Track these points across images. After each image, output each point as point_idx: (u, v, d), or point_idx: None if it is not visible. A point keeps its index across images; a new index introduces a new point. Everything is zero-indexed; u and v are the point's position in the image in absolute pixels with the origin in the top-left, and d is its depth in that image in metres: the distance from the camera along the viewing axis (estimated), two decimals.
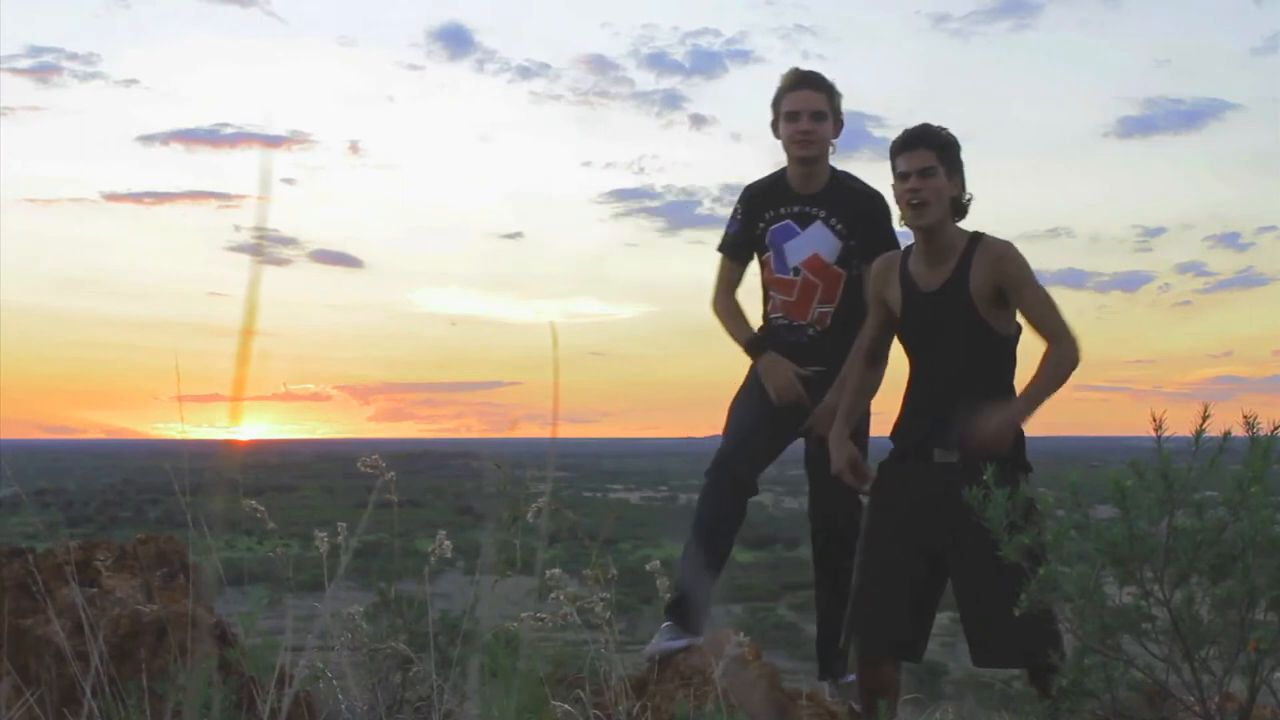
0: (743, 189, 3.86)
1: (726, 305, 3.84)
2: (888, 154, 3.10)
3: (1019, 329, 3.08)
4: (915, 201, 2.97)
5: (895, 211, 3.12)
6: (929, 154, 2.99)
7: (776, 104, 3.70)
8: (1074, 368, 2.98)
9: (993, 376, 3.06)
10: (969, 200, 3.07)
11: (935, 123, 3.06)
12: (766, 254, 3.74)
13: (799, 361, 3.67)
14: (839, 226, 3.64)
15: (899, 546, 3.04)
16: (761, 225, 3.74)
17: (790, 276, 3.69)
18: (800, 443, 3.75)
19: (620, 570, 3.15)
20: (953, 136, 3.05)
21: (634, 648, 3.75)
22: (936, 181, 2.97)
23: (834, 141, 3.70)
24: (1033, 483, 2.92)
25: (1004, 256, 3.00)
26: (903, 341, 3.17)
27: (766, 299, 3.81)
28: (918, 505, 3.02)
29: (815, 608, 3.80)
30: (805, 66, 3.81)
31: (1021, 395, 2.98)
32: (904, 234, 3.53)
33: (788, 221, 3.70)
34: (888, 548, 3.07)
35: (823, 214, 3.66)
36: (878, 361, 3.30)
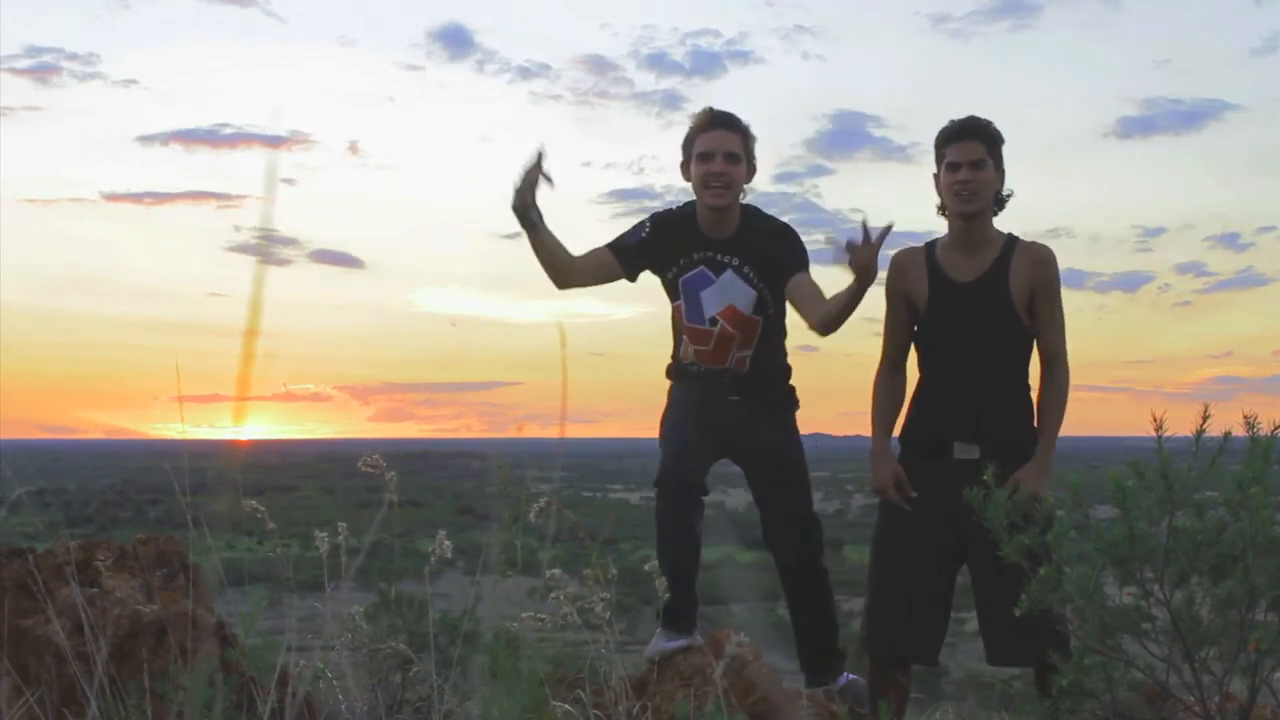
0: (654, 214, 3.68)
1: (572, 259, 3.52)
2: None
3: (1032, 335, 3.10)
4: (965, 191, 2.98)
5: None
6: (980, 146, 3.02)
7: (688, 144, 3.54)
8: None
9: (1017, 372, 3.08)
10: (1009, 196, 3.10)
11: (982, 117, 3.09)
12: (678, 301, 3.64)
13: (722, 393, 3.62)
14: (751, 274, 3.54)
15: (915, 550, 3.04)
16: (673, 272, 3.61)
17: (706, 327, 3.60)
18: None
19: (620, 570, 3.14)
20: (1000, 133, 3.08)
21: (634, 648, 3.75)
22: (986, 174, 3.01)
23: (746, 186, 3.55)
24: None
25: (1047, 261, 3.05)
26: (925, 334, 3.15)
27: (678, 342, 3.73)
28: (935, 504, 3.01)
29: (791, 620, 3.76)
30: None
31: (1044, 440, 3.06)
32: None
33: (702, 268, 3.57)
34: (904, 551, 3.06)
35: (735, 262, 3.54)
36: (900, 368, 3.29)
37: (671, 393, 3.77)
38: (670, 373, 3.81)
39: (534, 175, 3.34)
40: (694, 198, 3.61)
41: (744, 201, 3.61)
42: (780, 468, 3.63)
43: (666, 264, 3.63)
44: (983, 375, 3.04)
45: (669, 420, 3.70)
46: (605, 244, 3.65)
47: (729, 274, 3.56)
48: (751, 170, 3.56)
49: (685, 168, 3.57)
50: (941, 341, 3.11)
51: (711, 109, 3.57)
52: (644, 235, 3.62)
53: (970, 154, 3.01)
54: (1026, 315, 3.05)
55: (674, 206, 3.70)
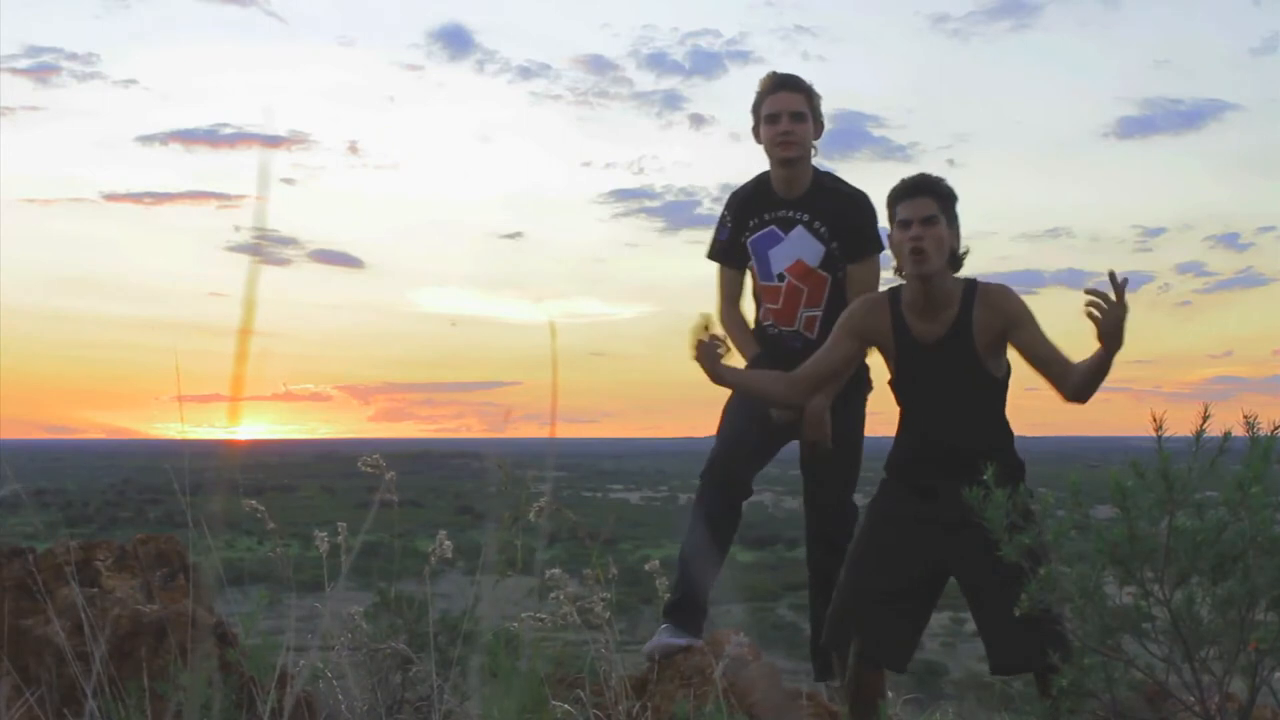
0: (728, 196, 3.84)
1: (731, 318, 3.80)
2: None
3: (1009, 368, 3.07)
4: (917, 249, 2.94)
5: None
6: (931, 202, 2.96)
7: (756, 109, 3.68)
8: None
9: (993, 419, 3.07)
10: (965, 253, 3.04)
11: (934, 174, 3.05)
12: (750, 262, 3.73)
13: (796, 365, 3.66)
14: (822, 230, 3.62)
15: (898, 553, 3.04)
16: (745, 234, 3.72)
17: (775, 283, 3.68)
18: (796, 444, 3.74)
19: (620, 570, 3.15)
20: (952, 188, 3.03)
21: (634, 648, 3.75)
22: (938, 230, 2.95)
23: (815, 143, 3.67)
24: (1027, 480, 2.93)
25: (1005, 296, 2.98)
26: (897, 390, 3.14)
27: (757, 306, 3.81)
28: (925, 523, 3.01)
29: (810, 611, 3.79)
30: (805, 67, 3.83)
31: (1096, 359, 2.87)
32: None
33: (772, 228, 3.68)
34: (885, 553, 3.06)
35: (805, 218, 3.63)
36: (822, 392, 3.29)
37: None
38: None
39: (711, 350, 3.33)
40: (761, 171, 3.75)
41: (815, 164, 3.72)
42: (834, 452, 3.63)
43: (743, 232, 3.75)
44: (959, 430, 3.03)
45: (730, 407, 3.73)
46: (716, 263, 3.82)
47: (799, 230, 3.65)
48: (819, 127, 3.70)
49: (756, 132, 3.71)
50: (914, 401, 3.10)
51: (775, 73, 3.72)
52: (729, 227, 3.79)
53: (921, 210, 2.96)
54: (994, 360, 3.02)
55: (745, 183, 3.82)
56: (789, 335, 3.69)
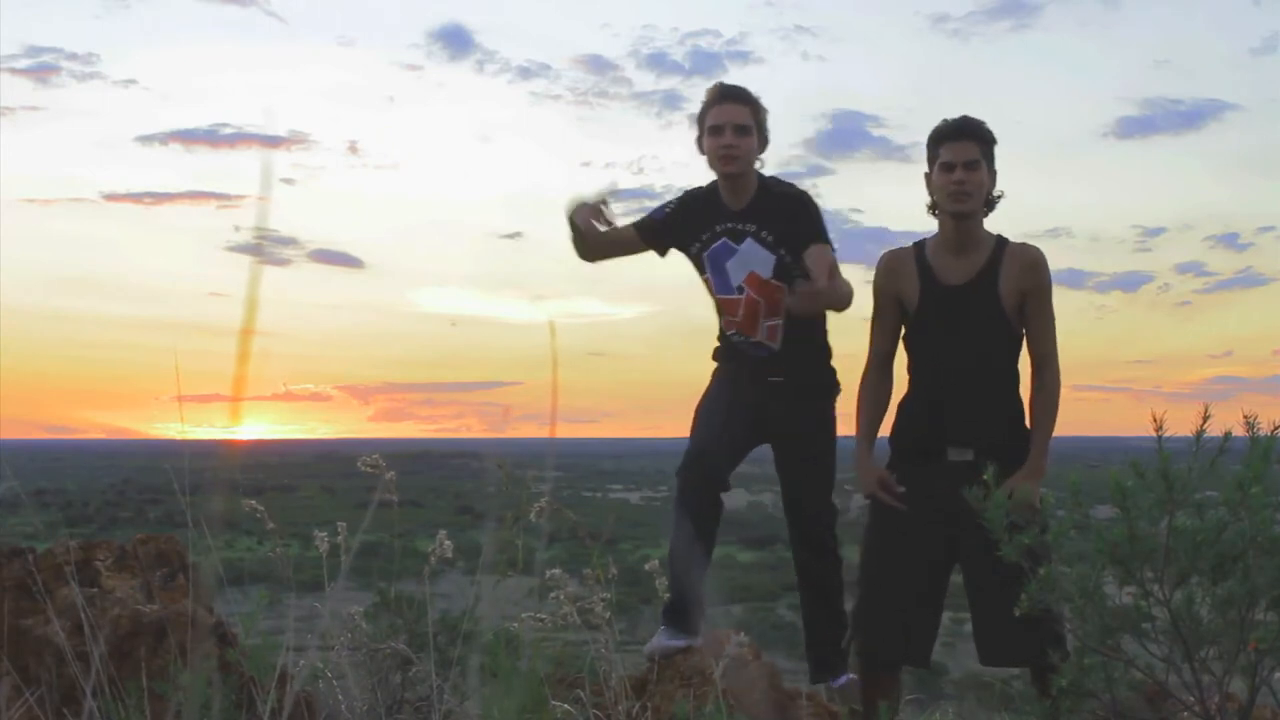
0: (685, 191, 3.78)
1: (599, 234, 3.65)
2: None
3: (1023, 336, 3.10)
4: (959, 192, 2.98)
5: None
6: (975, 147, 3.01)
7: (701, 119, 3.64)
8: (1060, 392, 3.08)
9: (1007, 374, 3.08)
10: (1000, 197, 3.09)
11: (975, 117, 3.08)
12: (706, 275, 3.70)
13: (762, 373, 3.65)
14: (769, 239, 3.59)
15: (907, 551, 3.04)
16: (697, 246, 3.68)
17: (735, 295, 3.65)
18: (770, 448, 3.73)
19: (620, 570, 3.15)
20: (993, 133, 3.07)
21: (634, 648, 3.75)
22: (980, 175, 3.00)
23: (761, 156, 3.63)
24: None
25: (1038, 263, 3.04)
26: (915, 337, 3.14)
27: (720, 316, 3.77)
28: (928, 506, 3.01)
29: (802, 613, 3.78)
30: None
31: (1036, 445, 3.03)
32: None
33: (724, 240, 3.64)
34: (895, 552, 3.06)
35: (753, 228, 3.60)
36: (888, 369, 3.28)
37: (713, 375, 3.80)
38: (715, 354, 3.84)
39: (594, 212, 3.55)
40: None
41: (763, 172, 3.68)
42: (807, 456, 3.64)
43: (690, 240, 3.71)
44: (974, 378, 3.04)
45: (703, 407, 3.73)
46: (634, 226, 3.76)
47: (749, 242, 3.63)
48: (764, 142, 3.64)
49: (699, 142, 3.66)
50: (932, 344, 3.10)
51: (721, 84, 3.67)
52: (667, 212, 3.74)
53: (965, 154, 3.00)
54: (1016, 317, 3.04)
55: (701, 185, 3.77)
56: (755, 345, 3.68)
